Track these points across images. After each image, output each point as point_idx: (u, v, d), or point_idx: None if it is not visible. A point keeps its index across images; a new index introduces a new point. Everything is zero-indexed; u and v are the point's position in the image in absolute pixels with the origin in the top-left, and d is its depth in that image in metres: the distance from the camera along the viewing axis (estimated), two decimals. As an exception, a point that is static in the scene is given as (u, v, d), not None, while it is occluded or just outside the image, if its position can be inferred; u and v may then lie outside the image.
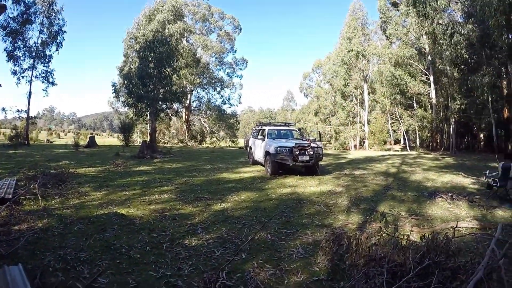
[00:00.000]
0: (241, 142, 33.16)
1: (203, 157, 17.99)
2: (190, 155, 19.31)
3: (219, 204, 6.31)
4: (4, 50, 25.09)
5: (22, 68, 26.22)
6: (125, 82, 25.04)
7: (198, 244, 4.04)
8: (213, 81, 39.28)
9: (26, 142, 25.79)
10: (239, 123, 44.91)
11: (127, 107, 28.45)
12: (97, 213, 5.44)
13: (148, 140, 23.10)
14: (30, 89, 26.55)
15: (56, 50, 27.56)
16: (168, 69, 23.99)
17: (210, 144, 36.97)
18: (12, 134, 26.87)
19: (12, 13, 23.95)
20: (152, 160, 15.16)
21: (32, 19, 25.47)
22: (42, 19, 26.47)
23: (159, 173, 10.60)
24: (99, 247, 3.86)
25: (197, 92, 39.83)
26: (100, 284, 2.98)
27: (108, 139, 39.86)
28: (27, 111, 26.90)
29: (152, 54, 22.62)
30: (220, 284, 2.94)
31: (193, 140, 36.44)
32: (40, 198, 6.15)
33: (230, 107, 40.90)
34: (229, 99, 40.40)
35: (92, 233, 4.34)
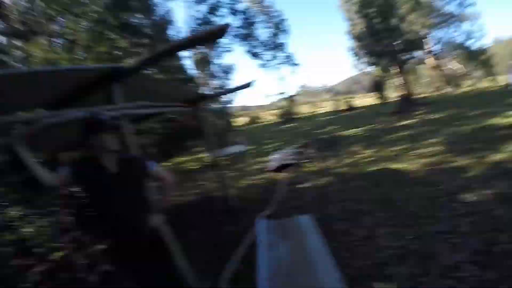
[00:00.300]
0: (503, 80, 24.49)
1: (463, 103, 14.79)
2: (448, 102, 16.47)
3: (493, 155, 4.93)
4: (247, 51, 31.10)
5: (266, 60, 31.75)
6: (359, 43, 25.39)
7: (475, 200, 3.42)
8: (444, 19, 31.54)
9: (292, 117, 30.88)
10: (493, 58, 33.56)
11: (370, 67, 28.44)
12: (370, 169, 5.74)
13: (403, 94, 21.86)
14: (280, 74, 32.17)
15: (286, 37, 31.22)
16: (394, 20, 22.47)
17: (467, 87, 30.06)
18: (280, 113, 32.83)
19: (235, 23, 29.69)
20: (412, 113, 14.19)
21: (253, 20, 30.30)
22: (262, 17, 30.85)
23: (423, 126, 9.71)
24: (376, 200, 4.06)
25: (434, 34, 33.27)
26: (378, 234, 3.16)
27: (363, 100, 41.07)
28: (286, 92, 32.96)
29: (371, 10, 21.66)
30: (501, 248, 2.44)
31: (448, 86, 31.12)
32: (317, 160, 7.25)
33: (474, 42, 31.45)
34: (470, 33, 31.07)
35: (368, 188, 4.65)
